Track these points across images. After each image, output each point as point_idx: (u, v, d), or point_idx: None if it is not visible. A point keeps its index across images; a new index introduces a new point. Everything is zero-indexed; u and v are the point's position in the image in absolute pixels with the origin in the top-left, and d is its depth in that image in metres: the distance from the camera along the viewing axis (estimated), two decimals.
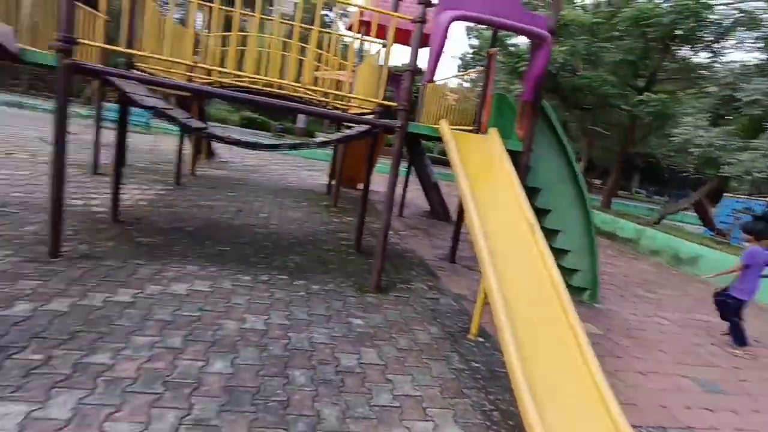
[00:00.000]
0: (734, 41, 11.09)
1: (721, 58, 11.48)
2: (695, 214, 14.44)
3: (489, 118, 5.33)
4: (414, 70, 4.28)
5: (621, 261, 9.12)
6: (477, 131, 5.60)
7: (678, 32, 10.00)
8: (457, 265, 6.27)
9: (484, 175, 4.30)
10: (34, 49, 3.74)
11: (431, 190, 9.88)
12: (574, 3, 13.29)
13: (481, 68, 6.11)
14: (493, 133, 4.77)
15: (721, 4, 10.30)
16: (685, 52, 12.08)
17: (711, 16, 9.80)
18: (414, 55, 4.22)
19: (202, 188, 8.25)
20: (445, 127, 4.52)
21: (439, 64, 4.30)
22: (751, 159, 8.38)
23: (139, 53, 4.37)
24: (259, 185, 9.91)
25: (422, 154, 9.86)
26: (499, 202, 4.11)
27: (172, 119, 4.37)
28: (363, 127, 4.69)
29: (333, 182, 10.00)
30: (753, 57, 11.51)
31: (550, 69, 11.44)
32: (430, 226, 8.96)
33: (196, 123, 4.81)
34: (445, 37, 4.08)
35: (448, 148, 4.32)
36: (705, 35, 10.43)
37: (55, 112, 3.76)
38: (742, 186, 10.84)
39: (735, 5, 10.35)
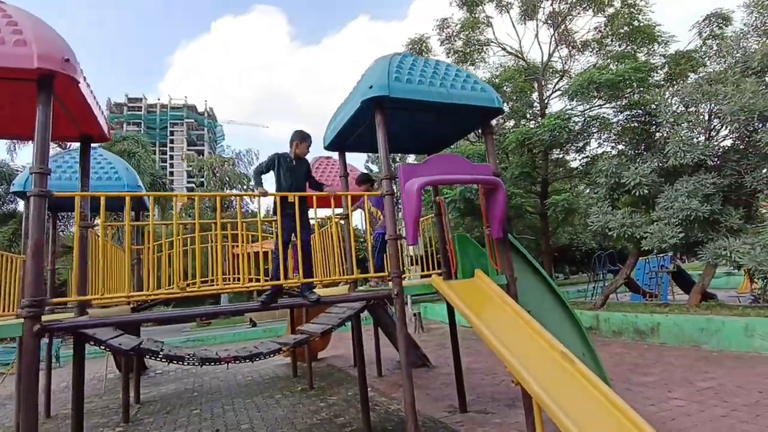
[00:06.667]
0: (596, 141, 13.46)
1: (592, 155, 13.72)
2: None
3: (456, 260, 5.56)
4: (397, 237, 4.41)
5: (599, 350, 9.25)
6: (448, 275, 5.77)
7: (555, 143, 11.95)
8: (471, 413, 5.87)
9: (494, 314, 4.30)
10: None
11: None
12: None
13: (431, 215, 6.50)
14: (480, 274, 4.91)
15: (576, 116, 12.60)
16: (564, 156, 14.33)
17: (575, 127, 11.93)
18: (392, 223, 4.40)
19: (158, 416, 7.12)
20: (439, 282, 4.57)
21: (417, 227, 4.50)
22: (659, 230, 9.58)
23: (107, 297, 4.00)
24: (217, 389, 8.86)
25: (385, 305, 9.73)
26: (522, 336, 4.09)
27: (153, 353, 3.91)
28: (358, 305, 4.56)
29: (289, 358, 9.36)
30: (612, 149, 13.77)
31: (466, 194, 12.63)
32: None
33: (183, 353, 4.35)
34: (420, 202, 4.35)
35: (452, 301, 4.32)
36: (575, 142, 12.59)
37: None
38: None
39: (587, 113, 12.75)
